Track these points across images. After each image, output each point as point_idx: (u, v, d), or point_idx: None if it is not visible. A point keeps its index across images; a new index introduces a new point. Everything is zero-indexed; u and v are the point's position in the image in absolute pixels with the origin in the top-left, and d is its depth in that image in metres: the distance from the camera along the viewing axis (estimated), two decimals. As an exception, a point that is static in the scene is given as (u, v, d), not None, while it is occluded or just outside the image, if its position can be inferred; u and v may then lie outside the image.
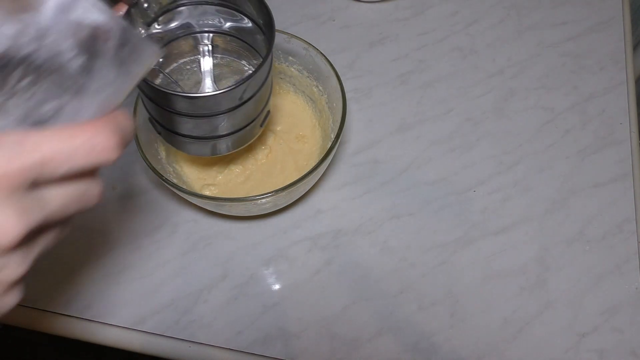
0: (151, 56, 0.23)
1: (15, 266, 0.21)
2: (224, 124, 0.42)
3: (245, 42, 0.46)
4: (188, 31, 0.46)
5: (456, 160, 0.58)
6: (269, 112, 0.47)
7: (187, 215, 0.55)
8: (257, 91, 0.41)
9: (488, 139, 0.59)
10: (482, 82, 0.63)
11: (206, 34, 0.46)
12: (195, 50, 0.47)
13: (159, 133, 0.45)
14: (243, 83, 0.38)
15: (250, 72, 0.40)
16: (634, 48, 0.79)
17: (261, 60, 0.41)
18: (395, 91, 0.62)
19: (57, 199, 0.21)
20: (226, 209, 0.49)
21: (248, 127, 0.44)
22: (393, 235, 0.53)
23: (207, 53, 0.47)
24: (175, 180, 0.49)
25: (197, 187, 0.53)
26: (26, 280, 0.24)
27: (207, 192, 0.53)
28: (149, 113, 0.44)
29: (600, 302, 0.50)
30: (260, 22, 0.43)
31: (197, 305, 0.50)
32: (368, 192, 0.56)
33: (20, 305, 0.50)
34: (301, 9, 0.69)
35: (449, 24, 0.67)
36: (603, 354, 0.48)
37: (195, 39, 0.47)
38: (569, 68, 0.64)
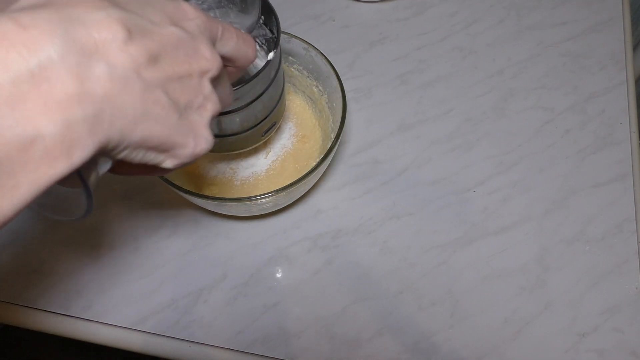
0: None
1: (215, 100, 0.26)
2: (231, 122, 0.42)
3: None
4: None
5: (456, 160, 0.58)
6: (275, 123, 0.47)
7: (187, 215, 0.55)
8: (260, 95, 0.41)
9: (488, 139, 0.59)
10: (482, 82, 0.63)
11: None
12: None
13: None
14: (247, 83, 0.38)
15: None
16: (634, 48, 0.79)
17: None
18: (395, 91, 0.62)
19: (228, 48, 0.28)
20: (226, 209, 0.49)
21: (251, 131, 0.44)
22: (393, 235, 0.53)
23: None
24: (175, 181, 0.49)
25: (197, 187, 0.53)
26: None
27: (207, 192, 0.53)
28: None
29: (600, 302, 0.50)
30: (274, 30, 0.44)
31: (197, 305, 0.50)
32: (368, 192, 0.56)
33: (20, 305, 0.51)
34: (301, 9, 0.69)
35: (449, 24, 0.67)
36: (603, 354, 0.48)
37: None
38: (569, 68, 0.64)
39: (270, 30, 0.45)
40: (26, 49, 0.18)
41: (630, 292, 0.51)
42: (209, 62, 0.24)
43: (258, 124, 0.44)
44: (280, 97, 0.46)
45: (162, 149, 0.23)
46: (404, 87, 0.63)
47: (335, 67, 0.50)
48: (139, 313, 0.50)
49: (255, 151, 0.55)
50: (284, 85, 0.46)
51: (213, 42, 0.26)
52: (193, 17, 0.24)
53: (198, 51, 0.24)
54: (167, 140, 0.23)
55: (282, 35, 0.52)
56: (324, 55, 0.51)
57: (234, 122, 0.42)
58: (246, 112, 0.42)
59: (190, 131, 0.24)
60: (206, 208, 0.50)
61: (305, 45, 0.52)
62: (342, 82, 0.49)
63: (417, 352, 0.48)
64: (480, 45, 0.66)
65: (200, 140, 0.25)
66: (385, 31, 0.67)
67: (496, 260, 0.52)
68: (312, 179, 0.48)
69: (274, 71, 0.41)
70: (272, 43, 0.45)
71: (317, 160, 0.48)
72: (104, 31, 0.20)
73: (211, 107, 0.25)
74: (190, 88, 0.24)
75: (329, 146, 0.47)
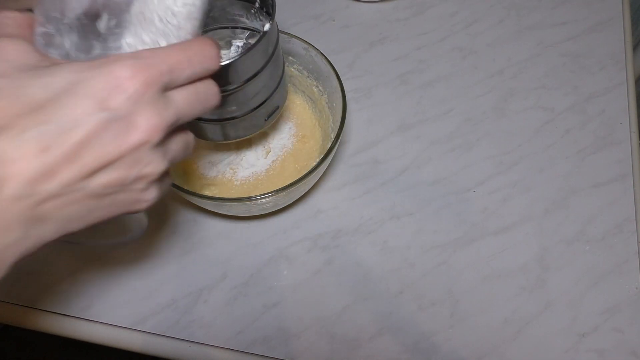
0: None
1: (158, 163, 0.25)
2: (229, 103, 0.40)
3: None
4: (218, 25, 0.46)
5: (456, 160, 0.58)
6: (278, 107, 0.46)
7: (187, 215, 0.55)
8: (259, 71, 0.39)
9: (488, 139, 0.59)
10: (482, 82, 0.63)
11: (240, 30, 0.46)
12: (227, 44, 0.48)
13: None
14: (241, 57, 0.36)
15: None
16: (634, 48, 0.79)
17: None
18: (395, 91, 0.62)
19: (183, 99, 0.25)
20: (226, 209, 0.49)
21: (252, 114, 0.43)
22: (393, 235, 0.53)
23: (239, 47, 0.47)
24: (175, 180, 0.49)
25: (197, 187, 0.53)
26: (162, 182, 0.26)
27: (207, 192, 0.53)
28: None
29: (600, 302, 0.50)
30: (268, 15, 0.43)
31: (197, 305, 0.50)
32: (368, 192, 0.56)
33: (20, 305, 0.51)
34: (301, 9, 0.69)
35: (449, 24, 0.67)
36: (603, 354, 0.48)
37: (224, 33, 0.47)
38: (569, 68, 0.64)
39: (267, 12, 0.44)
40: None
41: (630, 292, 0.51)
42: (145, 133, 0.23)
43: (259, 105, 0.43)
44: (282, 78, 0.44)
45: (106, 220, 0.25)
46: (404, 87, 0.63)
47: (335, 67, 0.50)
48: (139, 313, 0.50)
49: (255, 151, 0.55)
50: (284, 65, 0.45)
51: (166, 88, 0.24)
52: (128, 84, 0.22)
53: (131, 126, 0.22)
54: (105, 217, 0.24)
55: (282, 35, 0.52)
56: (324, 55, 0.51)
57: (233, 103, 0.40)
58: (245, 91, 0.40)
59: (128, 201, 0.25)
60: (206, 208, 0.50)
61: (305, 45, 0.52)
62: (342, 82, 0.49)
63: (417, 352, 0.48)
64: (480, 45, 0.66)
65: (141, 204, 0.26)
66: (385, 31, 0.67)
67: (496, 260, 0.52)
68: (312, 179, 0.48)
69: (271, 46, 0.39)
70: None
71: (317, 160, 0.48)
72: (24, 162, 0.21)
73: (152, 170, 0.24)
74: (122, 167, 0.23)
75: (329, 146, 0.47)
